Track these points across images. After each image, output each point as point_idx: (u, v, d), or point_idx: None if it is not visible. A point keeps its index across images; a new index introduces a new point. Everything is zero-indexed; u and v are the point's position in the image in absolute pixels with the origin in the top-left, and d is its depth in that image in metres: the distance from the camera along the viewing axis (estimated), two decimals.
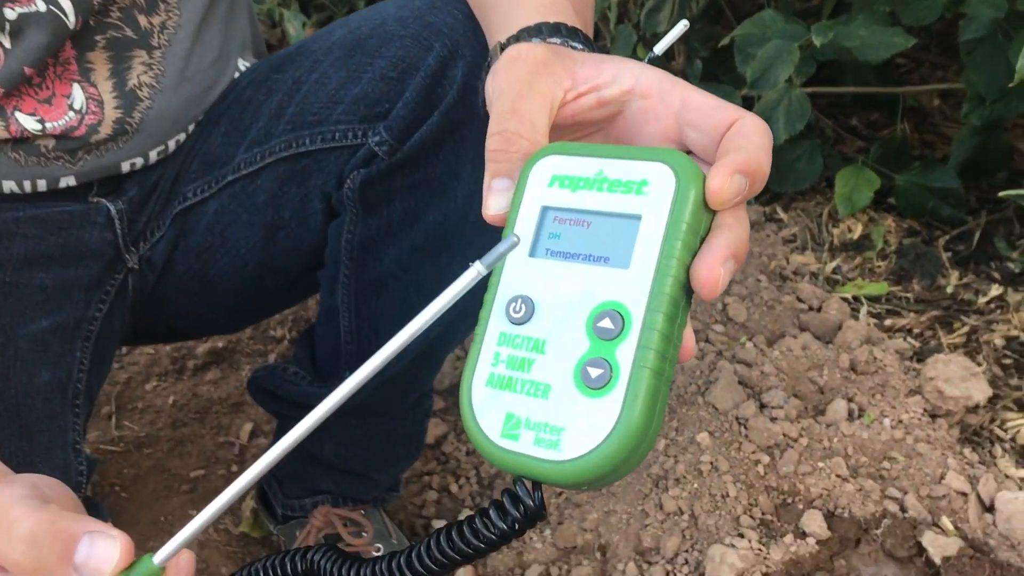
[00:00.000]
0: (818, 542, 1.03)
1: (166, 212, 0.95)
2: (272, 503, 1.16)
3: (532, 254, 0.51)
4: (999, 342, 1.37)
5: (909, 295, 1.48)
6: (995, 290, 1.46)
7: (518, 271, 0.51)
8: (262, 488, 1.19)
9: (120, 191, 0.91)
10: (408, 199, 0.92)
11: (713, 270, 0.47)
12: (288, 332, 1.62)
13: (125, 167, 0.89)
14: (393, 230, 0.93)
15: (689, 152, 0.55)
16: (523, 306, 0.49)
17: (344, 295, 0.98)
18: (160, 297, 0.97)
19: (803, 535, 1.04)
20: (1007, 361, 1.34)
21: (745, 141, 0.50)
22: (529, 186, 0.52)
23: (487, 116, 0.57)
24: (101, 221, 0.90)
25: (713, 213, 0.50)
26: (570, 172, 0.51)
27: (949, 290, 1.48)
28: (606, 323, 0.47)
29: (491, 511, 0.49)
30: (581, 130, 0.59)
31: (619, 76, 0.56)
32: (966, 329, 1.40)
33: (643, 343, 0.46)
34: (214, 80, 0.93)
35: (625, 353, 0.46)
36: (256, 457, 1.37)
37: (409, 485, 1.29)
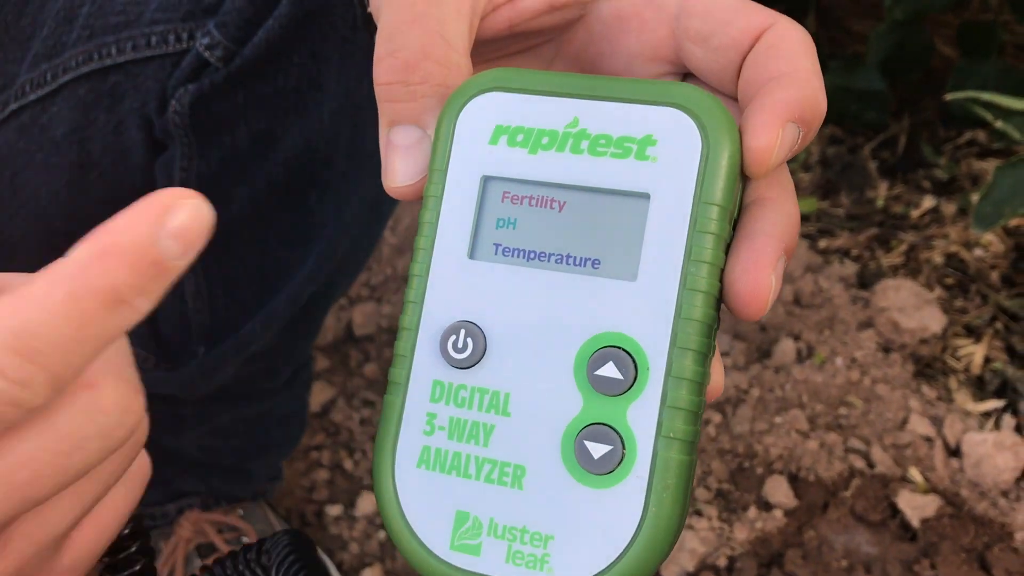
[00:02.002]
0: (785, 513, 0.89)
1: None
2: None
3: (473, 255, 0.33)
4: (939, 260, 1.26)
5: (840, 211, 1.35)
6: (928, 201, 1.35)
7: (453, 281, 0.33)
8: None
9: None
10: (257, 120, 0.69)
11: (761, 280, 0.31)
12: None
13: None
14: (241, 164, 0.70)
15: (688, 76, 0.38)
16: (468, 340, 0.32)
17: None
18: None
19: (767, 506, 0.90)
20: (949, 280, 1.23)
21: (788, 64, 0.33)
22: (458, 142, 0.34)
23: (367, 23, 0.38)
24: None
25: (747, 181, 0.33)
26: (525, 121, 0.33)
27: (880, 203, 1.36)
28: (609, 370, 0.31)
29: None
30: (521, 42, 0.40)
31: None
32: (904, 247, 1.28)
33: (669, 401, 0.30)
34: None
35: (642, 417, 0.31)
36: None
37: (294, 464, 1.10)
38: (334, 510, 1.04)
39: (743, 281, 0.31)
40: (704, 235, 0.31)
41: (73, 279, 0.26)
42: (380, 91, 0.35)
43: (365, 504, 1.03)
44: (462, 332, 0.33)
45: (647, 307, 0.31)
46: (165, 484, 0.91)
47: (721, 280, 0.31)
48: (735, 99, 0.35)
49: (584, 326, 0.32)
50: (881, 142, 1.47)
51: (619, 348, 0.31)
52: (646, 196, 0.32)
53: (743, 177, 0.32)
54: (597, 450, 0.31)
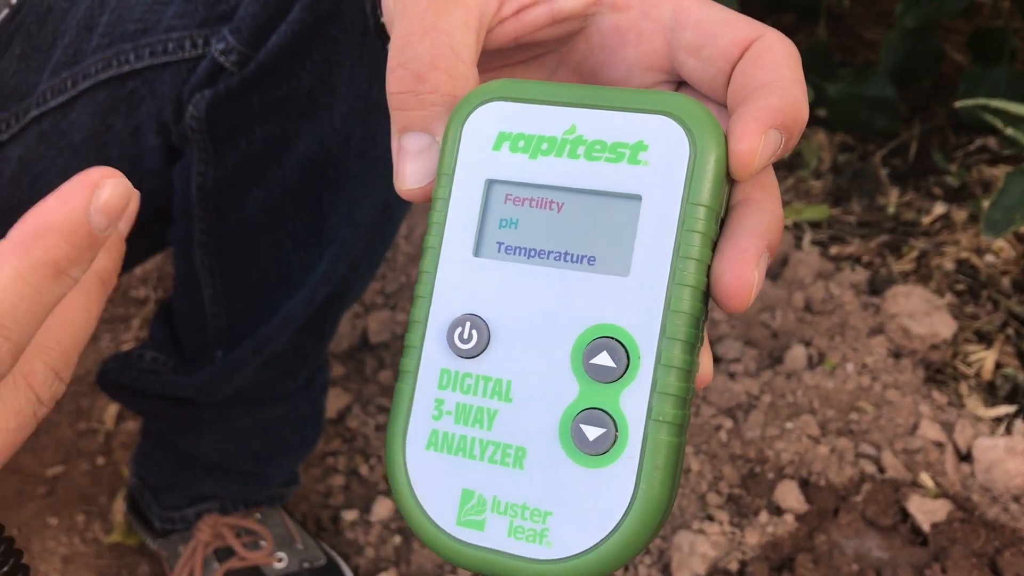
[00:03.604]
0: (796, 517, 0.90)
1: None
2: (146, 515, 0.96)
3: (478, 252, 0.35)
4: (950, 266, 1.26)
5: (851, 218, 1.36)
6: (939, 208, 1.36)
7: (459, 277, 0.35)
8: (132, 496, 0.99)
9: None
10: (271, 124, 0.71)
11: (744, 275, 0.33)
12: (154, 291, 1.40)
13: None
14: (255, 166, 0.72)
15: (682, 85, 0.40)
16: (473, 331, 0.35)
17: (203, 257, 0.77)
18: None
19: (778, 511, 0.91)
20: (960, 286, 1.24)
21: (772, 74, 0.35)
22: (464, 148, 0.36)
23: (379, 30, 0.41)
24: None
25: (733, 184, 0.35)
26: (526, 128, 0.36)
27: (891, 210, 1.37)
28: (603, 359, 0.33)
29: None
30: (527, 52, 0.42)
31: None
32: (915, 254, 1.28)
33: (659, 387, 0.33)
34: None
35: (633, 402, 0.33)
36: (126, 446, 1.16)
37: (310, 470, 1.11)
38: (350, 515, 1.05)
39: (728, 276, 0.33)
40: (692, 233, 0.33)
41: (19, 258, 0.30)
42: (392, 99, 0.37)
43: (381, 509, 1.04)
44: (467, 324, 0.35)
45: (639, 300, 0.33)
46: (184, 488, 0.93)
47: (708, 275, 0.33)
48: (726, 106, 0.37)
49: (580, 318, 0.34)
50: (892, 149, 1.48)
51: (612, 338, 0.33)
52: (638, 198, 0.34)
53: (729, 179, 0.34)
54: (592, 433, 0.33)
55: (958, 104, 1.18)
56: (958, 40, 1.66)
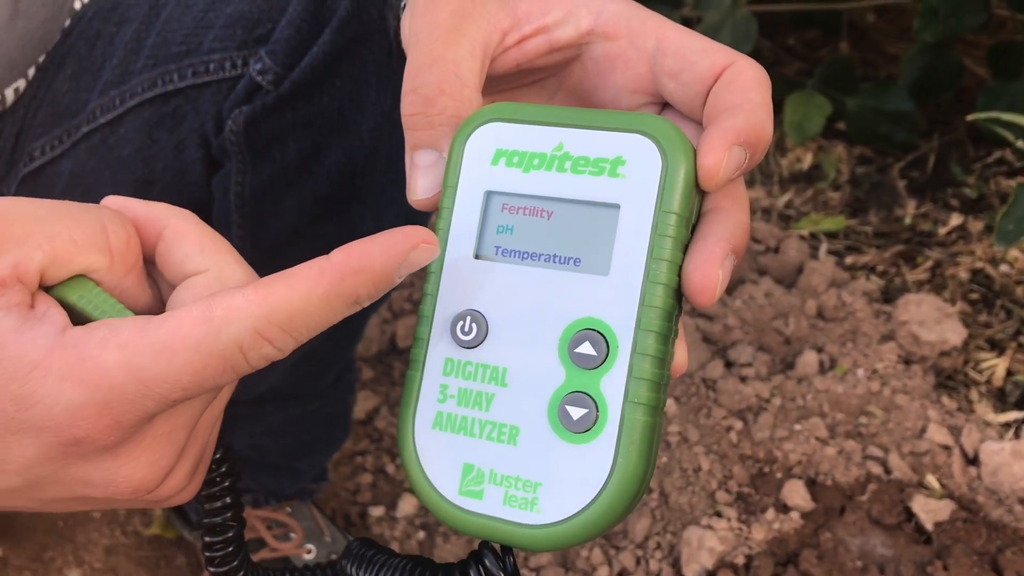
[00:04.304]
0: (802, 515, 0.93)
1: (10, 177, 0.78)
2: (183, 507, 1.02)
3: (478, 254, 0.40)
4: (964, 276, 1.29)
5: (867, 228, 1.39)
6: (955, 219, 1.38)
7: (461, 277, 0.40)
8: None
9: None
10: (303, 138, 0.76)
11: (710, 274, 0.37)
12: None
13: None
14: (289, 177, 0.78)
15: (667, 106, 0.45)
16: (473, 325, 0.40)
17: None
18: None
19: (785, 509, 0.94)
20: (974, 296, 1.26)
21: (741, 97, 0.40)
22: (466, 163, 0.41)
23: (401, 54, 0.45)
24: None
25: (703, 194, 0.39)
26: (520, 145, 0.40)
27: (908, 221, 1.39)
28: (586, 348, 0.38)
29: None
30: (529, 77, 0.47)
31: (574, 12, 0.44)
32: (930, 263, 1.31)
33: (635, 372, 0.37)
34: (53, 11, 0.76)
35: (612, 385, 0.37)
36: None
37: (339, 468, 1.16)
38: (377, 511, 1.10)
39: (696, 275, 0.37)
40: (664, 238, 0.37)
41: (332, 285, 0.36)
42: (405, 121, 0.43)
43: (406, 506, 1.09)
44: (468, 318, 0.40)
45: (618, 297, 0.38)
46: None
47: (679, 274, 0.38)
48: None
49: (567, 312, 0.38)
50: (910, 162, 1.50)
51: (594, 330, 0.38)
52: (617, 206, 0.38)
53: (699, 190, 0.39)
54: (576, 413, 0.37)
55: (970, 117, 1.21)
56: (980, 55, 1.68)
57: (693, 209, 0.38)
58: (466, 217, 0.40)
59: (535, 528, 0.37)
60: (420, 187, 0.42)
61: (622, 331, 0.37)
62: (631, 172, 0.38)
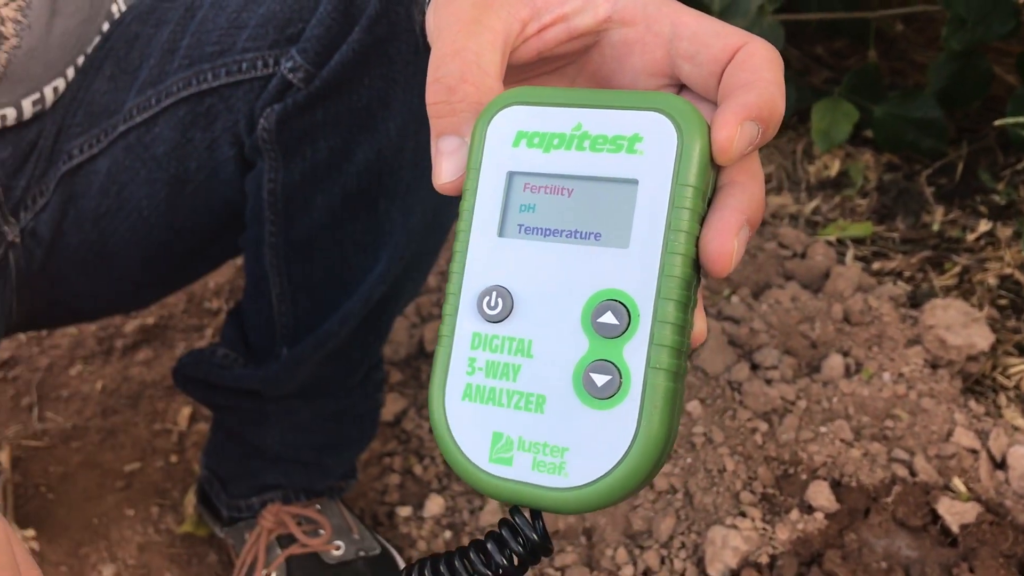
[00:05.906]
0: (826, 516, 0.94)
1: (49, 174, 0.80)
2: (215, 504, 1.04)
3: (502, 233, 0.42)
4: (992, 281, 1.28)
5: (895, 235, 1.39)
6: (984, 225, 1.38)
7: (486, 254, 0.42)
8: (203, 488, 1.06)
9: None
10: (334, 136, 0.79)
11: (726, 243, 0.39)
12: (225, 303, 1.48)
13: None
14: (319, 175, 0.80)
15: (684, 88, 0.46)
16: (499, 300, 0.41)
17: (272, 258, 0.85)
18: (53, 274, 0.83)
19: (809, 509, 0.95)
20: (1002, 301, 1.26)
21: (753, 75, 0.41)
22: (488, 146, 0.43)
23: (427, 49, 0.47)
24: None
25: (719, 168, 0.41)
26: (540, 127, 0.42)
27: (935, 228, 1.39)
28: (608, 318, 0.39)
29: (488, 545, 0.42)
30: (550, 64, 0.49)
31: (592, 0, 0.46)
32: (958, 269, 1.31)
33: (656, 340, 0.39)
34: (91, 12, 0.78)
35: (634, 353, 0.39)
36: (197, 445, 1.24)
37: (368, 469, 1.17)
38: (404, 511, 1.11)
39: (712, 245, 0.39)
40: (681, 210, 0.39)
41: None
42: (430, 109, 0.44)
43: (433, 506, 1.10)
44: (494, 294, 0.41)
45: (638, 268, 0.39)
46: (252, 478, 1.00)
47: (696, 245, 0.40)
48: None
49: (589, 284, 0.40)
50: (938, 168, 1.50)
51: (616, 301, 0.39)
52: (635, 182, 0.40)
53: (714, 165, 0.40)
54: (600, 380, 0.39)
55: (999, 123, 1.21)
56: (1009, 62, 1.68)
57: (709, 182, 0.40)
58: (490, 197, 0.42)
59: (563, 491, 0.39)
60: (444, 171, 0.44)
61: (643, 301, 0.39)
62: (648, 148, 0.40)
